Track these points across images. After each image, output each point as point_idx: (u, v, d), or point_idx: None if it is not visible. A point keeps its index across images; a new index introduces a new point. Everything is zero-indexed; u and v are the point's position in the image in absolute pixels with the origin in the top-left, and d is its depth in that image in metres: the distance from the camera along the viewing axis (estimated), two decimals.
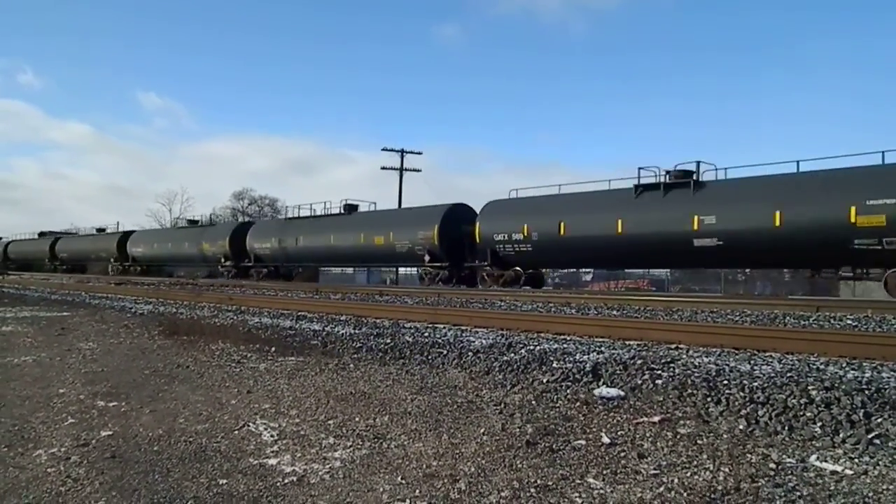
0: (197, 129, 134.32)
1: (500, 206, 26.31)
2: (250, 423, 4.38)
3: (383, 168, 49.54)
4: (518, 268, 24.84)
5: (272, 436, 4.08)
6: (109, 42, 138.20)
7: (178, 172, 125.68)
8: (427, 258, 27.51)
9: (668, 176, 21.31)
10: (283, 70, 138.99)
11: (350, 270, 48.82)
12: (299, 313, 11.43)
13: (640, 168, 21.79)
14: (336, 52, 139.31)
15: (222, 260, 39.86)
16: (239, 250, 38.69)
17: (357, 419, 4.36)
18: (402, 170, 49.24)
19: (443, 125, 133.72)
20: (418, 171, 50.70)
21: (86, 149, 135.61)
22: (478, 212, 26.92)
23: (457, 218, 27.48)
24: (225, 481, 3.32)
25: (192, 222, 48.07)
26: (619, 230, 21.56)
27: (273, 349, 7.52)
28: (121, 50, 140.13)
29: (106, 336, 9.59)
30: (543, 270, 26.55)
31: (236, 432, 4.20)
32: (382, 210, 34.62)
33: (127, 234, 50.69)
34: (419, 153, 50.94)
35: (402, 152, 49.35)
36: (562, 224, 22.97)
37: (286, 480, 3.29)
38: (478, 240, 25.70)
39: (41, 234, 67.34)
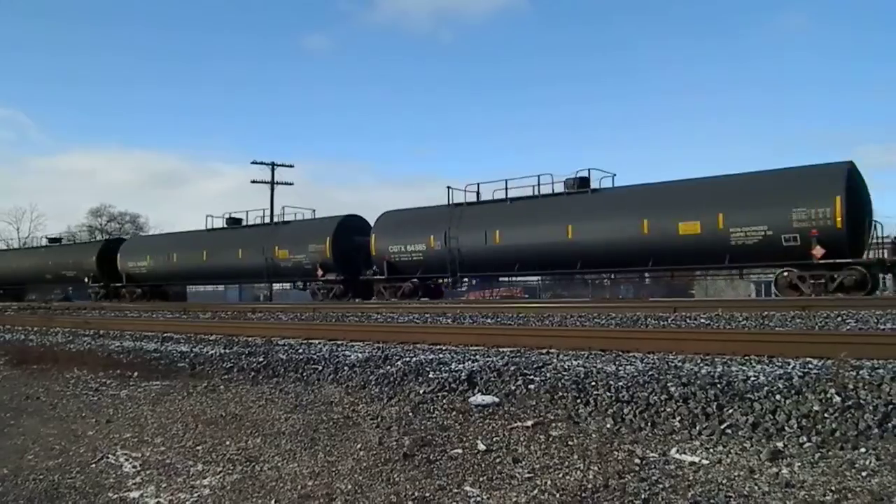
0: (47, 143, 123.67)
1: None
2: (110, 455, 4.09)
3: (253, 181, 48.21)
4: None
5: (134, 466, 3.83)
6: None
7: (27, 188, 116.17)
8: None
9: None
10: (142, 84, 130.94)
11: (221, 288, 46.80)
12: (165, 334, 10.84)
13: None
14: (200, 63, 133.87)
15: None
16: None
17: (228, 443, 4.18)
18: (273, 183, 48.13)
19: (315, 138, 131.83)
20: (290, 184, 49.75)
21: None
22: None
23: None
24: None
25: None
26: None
27: (136, 374, 7.08)
28: None
29: None
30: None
31: (94, 465, 3.91)
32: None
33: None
34: (290, 166, 49.98)
35: (273, 165, 48.27)
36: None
37: None
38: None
39: None
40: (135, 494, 3.37)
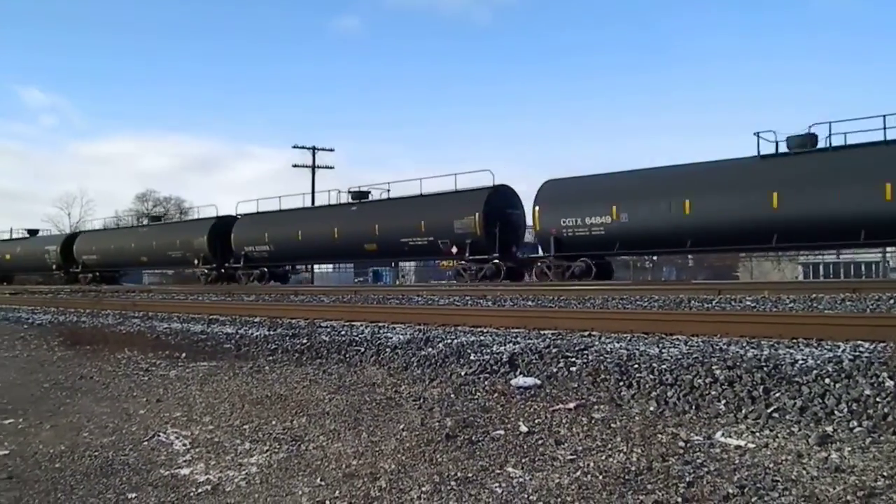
0: (88, 128, 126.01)
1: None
2: (160, 433, 4.21)
3: (295, 166, 48.61)
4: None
5: (184, 444, 3.94)
6: None
7: (71, 173, 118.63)
8: (455, 251, 23.49)
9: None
10: (175, 67, 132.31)
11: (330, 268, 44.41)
12: (211, 317, 11.08)
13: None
14: (234, 50, 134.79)
15: (198, 263, 32.86)
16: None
17: (274, 422, 4.26)
18: (314, 167, 48.50)
19: (352, 120, 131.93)
20: (331, 167, 50.03)
21: None
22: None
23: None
24: (134, 495, 3.18)
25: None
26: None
27: (184, 355, 7.26)
28: None
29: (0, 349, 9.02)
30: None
31: (146, 443, 4.03)
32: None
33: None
34: (331, 150, 50.13)
35: (314, 149, 48.59)
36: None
37: (200, 490, 3.18)
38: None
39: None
40: (185, 471, 3.46)
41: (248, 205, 33.28)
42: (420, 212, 24.58)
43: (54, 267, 39.39)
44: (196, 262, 32.49)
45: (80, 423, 4.62)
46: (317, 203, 30.59)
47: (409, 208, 25.32)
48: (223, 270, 32.07)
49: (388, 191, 27.81)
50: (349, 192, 28.37)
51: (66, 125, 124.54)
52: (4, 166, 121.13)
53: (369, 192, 28.14)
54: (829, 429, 3.36)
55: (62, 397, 5.57)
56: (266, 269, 30.82)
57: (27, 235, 46.15)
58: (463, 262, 23.71)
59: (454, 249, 23.35)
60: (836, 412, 3.55)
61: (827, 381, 3.88)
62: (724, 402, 3.90)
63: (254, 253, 30.52)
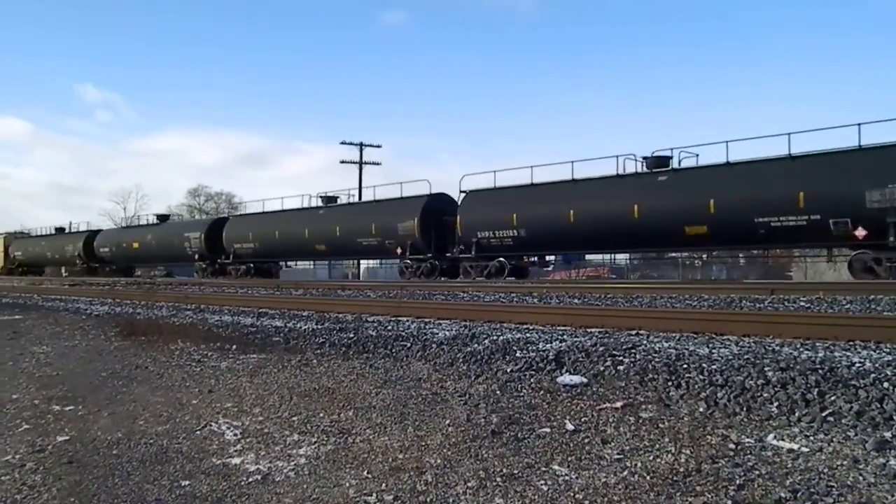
0: (141, 123, 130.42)
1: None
2: (212, 423, 4.31)
3: (342, 162, 49.14)
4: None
5: (235, 434, 4.03)
6: (30, 28, 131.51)
7: (125, 168, 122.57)
8: (400, 251, 26.97)
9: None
10: (224, 63, 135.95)
11: (311, 265, 47.84)
12: (260, 310, 11.29)
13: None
14: (282, 46, 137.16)
15: (196, 257, 36.30)
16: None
17: (321, 415, 4.33)
18: (361, 163, 48.92)
19: (400, 115, 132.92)
20: (378, 164, 50.46)
21: (25, 146, 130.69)
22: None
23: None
24: (187, 482, 3.27)
25: (330, 199, 39.38)
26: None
27: (234, 347, 7.42)
28: (44, 36, 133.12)
29: (60, 339, 9.36)
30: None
31: (198, 432, 4.14)
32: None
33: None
34: (378, 146, 50.54)
35: (361, 146, 48.99)
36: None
37: (250, 479, 3.26)
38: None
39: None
40: (236, 461, 3.54)
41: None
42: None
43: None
44: (401, 250, 28.44)
45: (135, 412, 4.77)
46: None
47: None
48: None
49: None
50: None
51: (121, 121, 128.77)
52: (62, 160, 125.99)
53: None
54: (888, 434, 3.26)
55: (119, 386, 5.75)
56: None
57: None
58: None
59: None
60: (895, 417, 3.44)
61: (885, 385, 3.76)
62: (776, 404, 3.81)
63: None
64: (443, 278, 25.31)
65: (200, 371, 6.19)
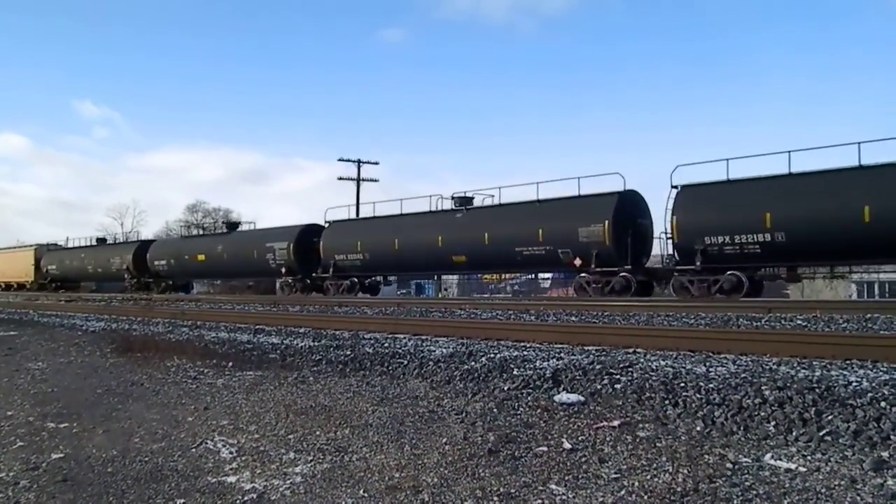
0: (140, 140, 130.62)
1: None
2: (208, 440, 4.29)
3: (340, 178, 49.18)
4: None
5: (231, 452, 4.01)
6: (28, 44, 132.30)
7: (124, 184, 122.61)
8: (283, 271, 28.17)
9: None
10: (225, 79, 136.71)
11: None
12: (257, 326, 11.27)
13: None
14: (281, 65, 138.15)
15: (283, 271, 31.16)
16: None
17: (318, 433, 4.31)
18: (358, 180, 48.96)
19: (398, 132, 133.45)
20: (376, 181, 50.46)
21: (24, 162, 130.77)
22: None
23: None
24: (182, 501, 3.25)
25: (232, 225, 37.64)
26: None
27: (230, 364, 7.39)
28: (43, 52, 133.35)
29: (56, 355, 9.32)
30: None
31: (194, 450, 4.12)
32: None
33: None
34: (376, 163, 50.57)
35: (359, 162, 49.03)
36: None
37: (246, 498, 3.24)
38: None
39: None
40: (232, 479, 3.52)
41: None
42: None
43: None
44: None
45: (131, 429, 4.74)
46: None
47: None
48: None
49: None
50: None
51: (119, 137, 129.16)
52: (61, 176, 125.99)
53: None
54: (885, 454, 3.25)
55: (114, 403, 5.73)
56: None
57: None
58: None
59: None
60: (892, 437, 3.43)
61: (883, 404, 3.76)
62: (773, 423, 3.81)
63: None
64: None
65: (196, 388, 6.17)
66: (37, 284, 47.61)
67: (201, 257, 35.94)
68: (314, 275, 29.94)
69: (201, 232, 42.64)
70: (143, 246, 40.52)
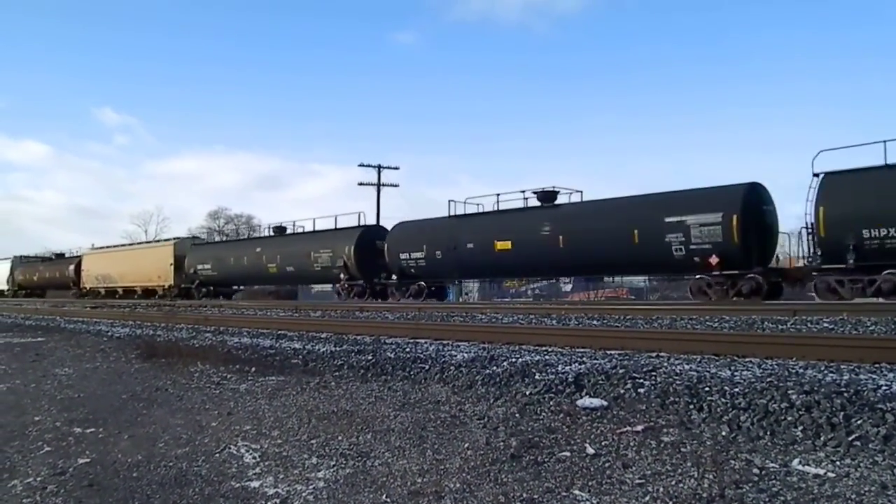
0: (159, 147, 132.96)
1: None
2: (231, 446, 4.31)
3: (360, 184, 49.40)
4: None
5: (254, 458, 4.03)
6: (48, 51, 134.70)
7: (143, 191, 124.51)
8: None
9: None
10: (240, 85, 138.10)
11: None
12: (279, 332, 11.33)
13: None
14: (296, 70, 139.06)
15: (343, 276, 29.15)
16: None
17: (340, 438, 4.32)
18: (378, 185, 49.20)
19: (414, 136, 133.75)
20: (395, 185, 50.63)
21: (45, 169, 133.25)
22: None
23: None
24: None
25: (279, 229, 35.14)
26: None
27: (253, 369, 7.43)
28: (63, 58, 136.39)
29: (82, 361, 9.43)
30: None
31: (217, 455, 4.14)
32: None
33: (374, 230, 30.98)
34: (396, 168, 50.87)
35: (379, 168, 49.30)
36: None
37: (269, 503, 3.25)
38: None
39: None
40: (255, 484, 3.54)
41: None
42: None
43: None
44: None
45: (155, 434, 4.78)
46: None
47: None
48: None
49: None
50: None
51: (139, 144, 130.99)
52: (82, 183, 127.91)
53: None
54: None
55: (139, 408, 5.78)
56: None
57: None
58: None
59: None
60: None
61: None
62: (801, 428, 3.75)
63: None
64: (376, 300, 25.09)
65: (220, 393, 6.21)
66: (176, 290, 39.07)
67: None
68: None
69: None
70: (370, 232, 30.70)
